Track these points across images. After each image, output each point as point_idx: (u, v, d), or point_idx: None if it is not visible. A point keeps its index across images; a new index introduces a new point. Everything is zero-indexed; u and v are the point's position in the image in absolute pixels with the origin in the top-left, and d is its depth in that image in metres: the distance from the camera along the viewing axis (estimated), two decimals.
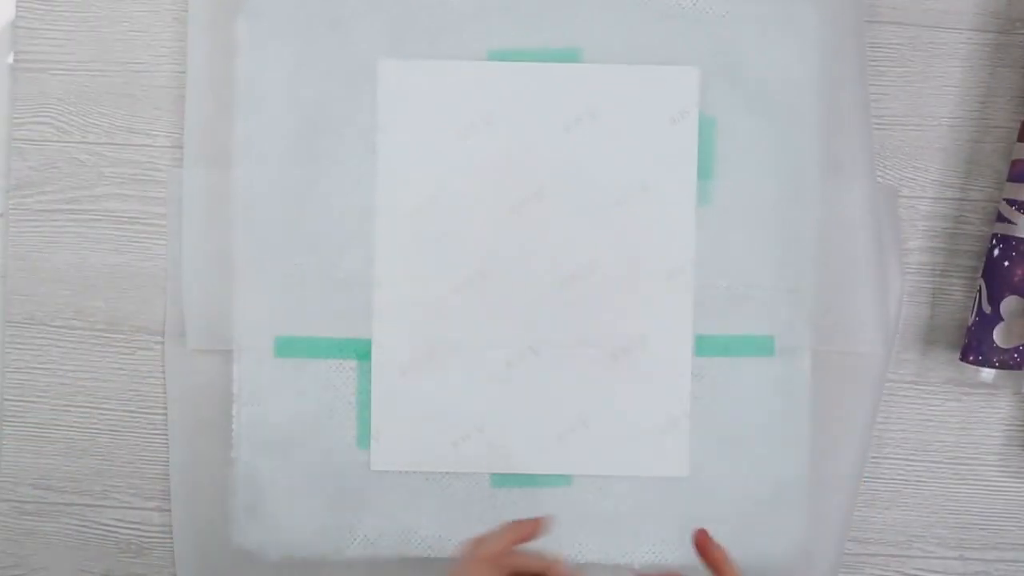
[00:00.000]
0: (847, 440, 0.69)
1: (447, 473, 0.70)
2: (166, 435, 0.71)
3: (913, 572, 0.72)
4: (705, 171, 0.68)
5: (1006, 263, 0.67)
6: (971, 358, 0.68)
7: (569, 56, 0.68)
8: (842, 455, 0.69)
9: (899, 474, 0.72)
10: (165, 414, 0.71)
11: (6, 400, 0.72)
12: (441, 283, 0.69)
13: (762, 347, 0.69)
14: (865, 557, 0.72)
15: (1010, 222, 0.67)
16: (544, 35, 0.68)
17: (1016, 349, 0.67)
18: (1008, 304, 0.67)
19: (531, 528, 0.57)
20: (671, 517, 0.70)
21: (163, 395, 0.71)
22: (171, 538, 0.71)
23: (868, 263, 0.68)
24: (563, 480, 0.70)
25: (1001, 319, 0.67)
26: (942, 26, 0.70)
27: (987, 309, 0.68)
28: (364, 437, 0.70)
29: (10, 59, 0.71)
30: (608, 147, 0.68)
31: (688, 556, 0.61)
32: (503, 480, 0.70)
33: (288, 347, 0.69)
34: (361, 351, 0.69)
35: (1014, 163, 0.68)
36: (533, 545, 0.58)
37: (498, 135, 0.68)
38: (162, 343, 0.71)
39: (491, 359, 0.69)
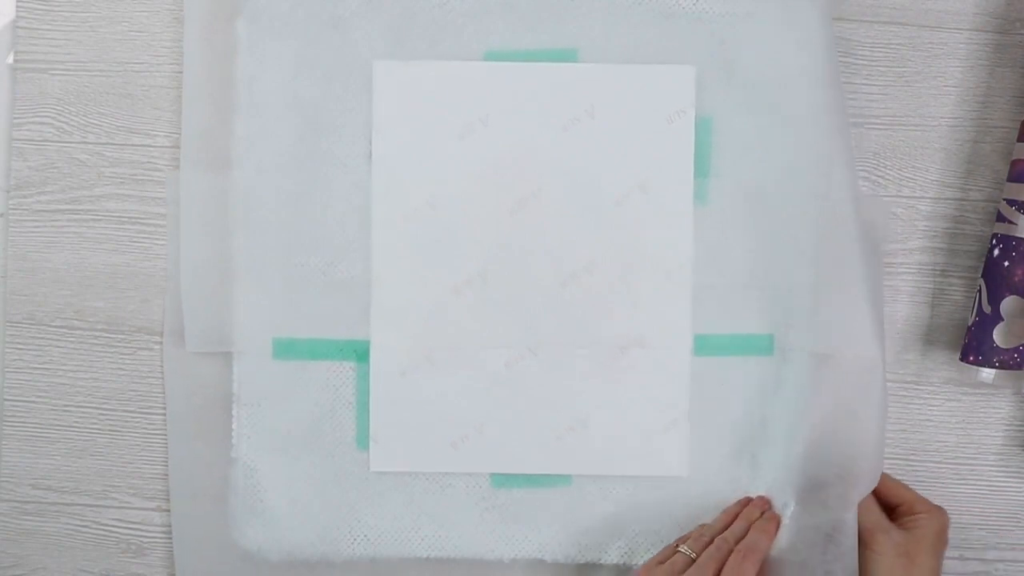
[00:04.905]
0: (846, 440, 0.69)
1: (447, 473, 0.70)
2: (166, 435, 0.71)
3: None
4: (702, 170, 0.69)
5: (1006, 263, 0.67)
6: (971, 358, 0.68)
7: (566, 56, 0.68)
8: (841, 455, 0.69)
9: (899, 474, 0.71)
10: (165, 414, 0.71)
11: (6, 400, 0.72)
12: (439, 284, 0.69)
13: (761, 346, 0.69)
14: None
15: (1010, 222, 0.67)
16: (541, 35, 0.68)
17: (1016, 349, 0.67)
18: (1008, 304, 0.67)
19: None
20: (671, 517, 0.70)
21: (163, 395, 0.71)
22: (171, 538, 0.71)
23: (863, 263, 0.68)
24: (563, 480, 0.70)
25: (1001, 319, 0.67)
26: (942, 26, 0.70)
27: (987, 309, 0.67)
28: (363, 438, 0.70)
29: (10, 59, 0.71)
30: (606, 147, 0.68)
31: None
32: (503, 480, 0.70)
33: (286, 349, 0.69)
34: (360, 352, 0.69)
35: (1014, 163, 0.68)
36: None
37: (495, 135, 0.68)
38: (162, 343, 0.71)
39: (490, 360, 0.69)
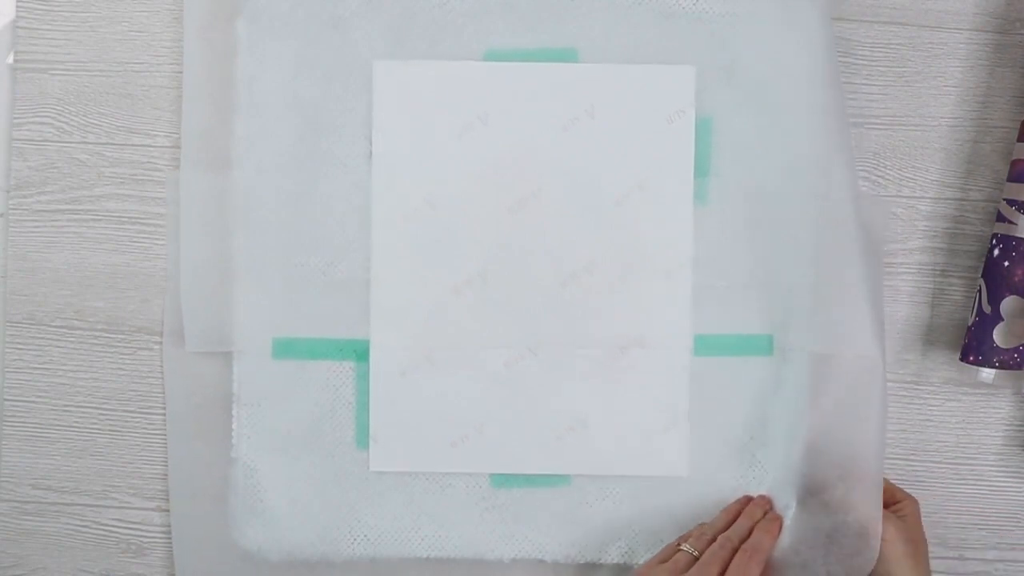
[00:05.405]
0: (847, 441, 0.68)
1: (446, 473, 0.70)
2: (166, 435, 0.71)
3: None
4: (702, 170, 0.69)
5: (1006, 263, 0.67)
6: (971, 358, 0.68)
7: (566, 56, 0.68)
8: (842, 456, 0.68)
9: (899, 474, 0.71)
10: (165, 414, 0.71)
11: (6, 400, 0.72)
12: (439, 284, 0.69)
13: (760, 346, 0.69)
14: None
15: (1010, 222, 0.67)
16: (541, 35, 0.68)
17: (1016, 349, 0.67)
18: (1008, 304, 0.67)
19: None
20: (671, 517, 0.70)
21: (163, 395, 0.71)
22: (171, 538, 0.71)
23: (863, 263, 0.68)
24: (562, 480, 0.70)
25: (1001, 319, 0.67)
26: (942, 26, 0.70)
27: (987, 309, 0.67)
28: (363, 438, 0.70)
29: (10, 59, 0.71)
30: (606, 146, 0.68)
31: None
32: (502, 480, 0.70)
33: (286, 348, 0.69)
34: (359, 352, 0.69)
35: (1014, 163, 0.68)
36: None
37: (495, 135, 0.68)
38: (162, 343, 0.71)
39: (490, 360, 0.69)
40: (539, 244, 0.69)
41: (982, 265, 0.69)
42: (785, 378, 0.69)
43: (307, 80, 0.69)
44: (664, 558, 0.64)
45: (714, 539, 0.65)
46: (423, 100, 0.68)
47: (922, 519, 0.67)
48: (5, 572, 0.72)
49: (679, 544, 0.65)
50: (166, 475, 0.71)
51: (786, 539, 0.68)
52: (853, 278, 0.67)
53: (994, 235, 0.68)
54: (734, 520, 0.67)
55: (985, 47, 0.70)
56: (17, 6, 0.70)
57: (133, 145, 0.71)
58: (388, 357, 0.69)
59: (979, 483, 0.72)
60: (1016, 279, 0.67)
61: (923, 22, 0.70)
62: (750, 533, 0.65)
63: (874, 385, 0.66)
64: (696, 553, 0.63)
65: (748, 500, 0.69)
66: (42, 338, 0.72)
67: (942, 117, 0.71)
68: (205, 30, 0.68)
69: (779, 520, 0.68)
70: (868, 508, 0.65)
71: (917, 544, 0.65)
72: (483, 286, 0.69)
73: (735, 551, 0.63)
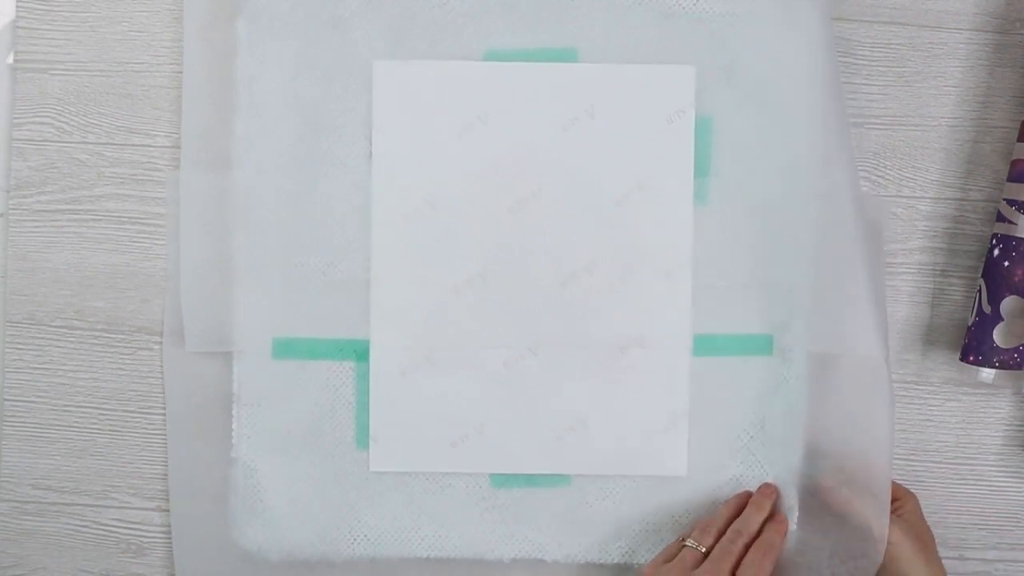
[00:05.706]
0: (851, 443, 0.68)
1: (447, 473, 0.70)
2: (166, 435, 0.71)
3: None
4: (702, 170, 0.69)
5: (1006, 263, 0.67)
6: (971, 358, 0.68)
7: (566, 56, 0.68)
8: (846, 458, 0.68)
9: (899, 474, 0.71)
10: (165, 414, 0.71)
11: (6, 400, 0.72)
12: (439, 284, 0.69)
13: (760, 346, 0.69)
14: None
15: (1010, 222, 0.67)
16: (541, 35, 0.68)
17: (1016, 349, 0.67)
18: (1008, 304, 0.67)
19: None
20: (671, 517, 0.70)
21: (163, 395, 0.71)
22: (171, 538, 0.71)
23: (864, 263, 0.68)
24: (562, 480, 0.70)
25: (1001, 319, 0.67)
26: (942, 26, 0.70)
27: (987, 309, 0.68)
28: (363, 438, 0.70)
29: (10, 59, 0.71)
30: (606, 147, 0.68)
31: None
32: (502, 480, 0.70)
33: (286, 348, 0.69)
34: (360, 352, 0.69)
35: (1014, 163, 0.68)
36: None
37: (495, 135, 0.68)
38: (162, 343, 0.71)
39: (490, 360, 0.69)
40: (539, 244, 0.69)
41: (982, 265, 0.69)
42: (785, 378, 0.69)
43: (307, 80, 0.69)
44: (668, 557, 0.64)
45: (719, 533, 0.64)
46: (423, 100, 0.68)
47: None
48: (5, 572, 0.72)
49: (682, 541, 0.65)
50: (166, 475, 0.71)
51: (790, 540, 0.68)
52: (853, 278, 0.67)
53: (994, 235, 0.68)
54: (736, 514, 0.66)
55: (985, 47, 0.70)
56: (17, 6, 0.70)
57: (133, 145, 0.71)
58: (388, 357, 0.69)
59: (979, 483, 0.72)
60: (1016, 279, 0.67)
61: (923, 22, 0.70)
62: (758, 526, 0.65)
63: (878, 387, 0.66)
64: (703, 549, 0.63)
65: (748, 495, 0.68)
66: (42, 338, 0.72)
67: (942, 117, 0.71)
68: (205, 30, 0.68)
69: (787, 521, 0.68)
70: (875, 512, 0.65)
71: (925, 540, 0.65)
72: (483, 286, 0.69)
73: (746, 547, 0.63)
